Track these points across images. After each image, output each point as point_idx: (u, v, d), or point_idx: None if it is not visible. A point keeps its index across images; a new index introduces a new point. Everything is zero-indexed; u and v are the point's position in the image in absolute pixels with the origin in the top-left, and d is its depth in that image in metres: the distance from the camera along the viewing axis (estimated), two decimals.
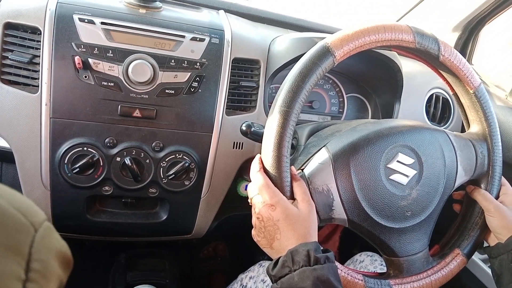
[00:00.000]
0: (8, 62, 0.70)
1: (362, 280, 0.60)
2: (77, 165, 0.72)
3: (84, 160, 0.72)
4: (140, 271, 0.95)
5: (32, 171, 0.73)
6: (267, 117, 0.58)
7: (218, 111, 0.79)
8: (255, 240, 0.57)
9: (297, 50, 0.82)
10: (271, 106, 0.58)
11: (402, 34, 0.61)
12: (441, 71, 0.70)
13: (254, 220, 0.56)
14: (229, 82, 0.80)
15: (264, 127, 0.59)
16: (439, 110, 1.02)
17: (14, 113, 0.71)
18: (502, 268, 0.64)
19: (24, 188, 0.74)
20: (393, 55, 0.90)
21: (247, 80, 0.83)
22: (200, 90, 0.78)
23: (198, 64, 0.77)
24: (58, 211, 0.77)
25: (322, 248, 0.52)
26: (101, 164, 0.74)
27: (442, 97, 1.02)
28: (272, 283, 0.51)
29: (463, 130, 0.96)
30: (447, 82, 0.72)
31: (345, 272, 0.59)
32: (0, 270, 0.23)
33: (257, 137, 0.70)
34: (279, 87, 0.58)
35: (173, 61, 0.76)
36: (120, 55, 0.73)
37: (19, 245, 0.25)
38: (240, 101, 0.83)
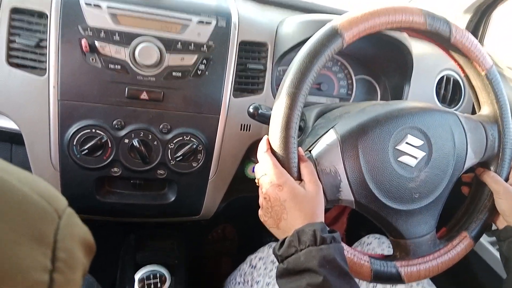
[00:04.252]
0: (15, 45, 0.70)
1: (368, 262, 0.60)
2: (85, 147, 0.73)
3: (92, 142, 0.73)
4: (149, 251, 0.97)
5: (41, 153, 0.74)
6: (274, 99, 0.58)
7: (225, 94, 0.79)
8: (261, 220, 0.57)
9: (305, 33, 0.81)
10: (278, 88, 0.57)
11: (413, 16, 0.60)
12: (452, 53, 0.69)
13: (261, 200, 0.56)
14: (236, 65, 0.80)
15: (271, 109, 0.58)
16: (449, 91, 1.00)
17: (22, 95, 0.71)
18: (510, 251, 0.64)
19: (34, 170, 0.75)
20: (403, 36, 0.89)
21: (255, 63, 0.83)
22: (207, 73, 0.77)
23: (205, 47, 0.76)
24: (67, 192, 0.78)
25: (328, 229, 0.52)
26: (110, 145, 0.75)
27: (453, 79, 1.01)
28: (279, 263, 0.51)
29: (473, 112, 0.95)
30: (458, 64, 0.70)
31: (351, 253, 0.59)
32: (27, 260, 0.22)
33: (265, 119, 0.70)
34: (287, 69, 0.57)
35: (179, 44, 0.75)
36: (126, 38, 0.73)
37: (44, 234, 0.24)
38: (248, 83, 0.83)
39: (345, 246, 0.58)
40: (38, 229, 0.24)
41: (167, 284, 0.80)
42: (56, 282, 0.23)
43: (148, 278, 0.81)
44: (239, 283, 0.95)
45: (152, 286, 0.79)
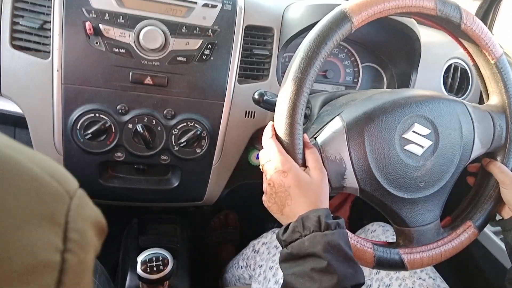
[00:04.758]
0: (19, 27, 0.70)
1: (371, 248, 0.60)
2: (89, 131, 0.72)
3: (96, 126, 0.72)
4: (152, 235, 0.97)
5: (45, 137, 0.74)
6: (279, 86, 0.57)
7: (230, 79, 0.78)
8: (265, 205, 0.57)
9: (312, 17, 0.79)
10: (284, 75, 0.57)
11: (423, 1, 0.59)
12: (461, 40, 0.68)
13: (265, 186, 0.56)
14: (242, 50, 0.79)
15: (276, 96, 0.58)
16: (457, 81, 0.99)
17: (26, 78, 0.70)
18: None
19: None
20: (411, 22, 0.87)
21: (260, 48, 0.82)
22: (212, 58, 0.76)
23: (210, 31, 0.76)
24: None
25: (333, 215, 0.52)
26: (113, 130, 0.74)
27: (461, 68, 0.99)
28: (282, 247, 0.51)
29: (480, 102, 0.94)
30: (468, 52, 0.69)
31: (354, 240, 0.59)
32: (38, 240, 0.21)
33: (270, 106, 0.69)
34: (293, 56, 0.56)
35: (184, 28, 0.74)
36: (131, 21, 0.72)
37: (55, 214, 0.23)
38: (253, 69, 0.82)
39: (348, 233, 0.58)
40: (49, 209, 0.23)
41: (170, 266, 0.81)
42: (68, 262, 0.23)
43: (150, 260, 0.81)
44: (241, 267, 0.96)
45: (155, 268, 0.80)
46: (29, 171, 0.23)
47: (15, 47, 0.70)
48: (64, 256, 0.23)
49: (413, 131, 0.60)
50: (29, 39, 0.70)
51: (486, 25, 1.12)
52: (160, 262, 0.81)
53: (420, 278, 0.77)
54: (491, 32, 1.14)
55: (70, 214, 0.24)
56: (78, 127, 0.72)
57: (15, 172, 0.23)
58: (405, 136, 0.60)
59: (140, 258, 0.81)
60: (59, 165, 0.27)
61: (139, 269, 0.80)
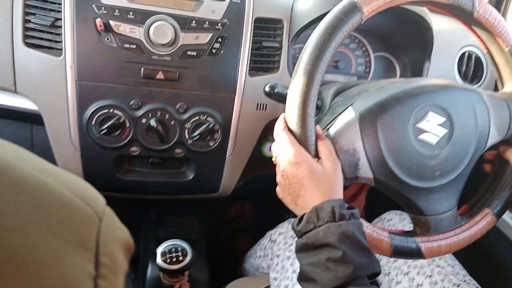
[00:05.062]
0: (31, 25, 0.71)
1: (387, 237, 0.60)
2: (104, 127, 0.73)
3: (111, 122, 0.73)
4: (170, 226, 0.98)
5: (61, 133, 0.75)
6: (290, 78, 0.57)
7: (241, 73, 0.78)
8: (279, 197, 0.57)
9: (322, 8, 0.79)
10: (294, 66, 0.56)
11: None
12: (474, 28, 0.67)
13: (278, 178, 0.56)
14: (252, 43, 0.79)
15: (288, 88, 0.58)
16: (471, 68, 0.97)
17: (40, 76, 0.72)
18: None
19: (55, 149, 0.77)
20: (423, 11, 0.86)
21: (270, 41, 0.82)
22: (222, 52, 0.77)
23: (219, 24, 0.76)
24: (89, 170, 0.79)
25: (347, 205, 0.52)
26: (128, 125, 0.75)
27: (475, 55, 0.98)
28: (298, 238, 0.51)
29: (495, 89, 0.92)
30: (481, 40, 0.68)
31: (370, 229, 0.59)
32: (71, 268, 0.21)
33: (281, 98, 0.69)
34: (303, 47, 0.56)
35: (194, 22, 0.74)
36: (141, 17, 0.72)
37: (86, 239, 0.23)
38: (263, 62, 0.82)
39: (364, 222, 0.58)
40: (80, 235, 0.23)
41: (189, 257, 0.82)
42: None
43: (170, 251, 0.82)
44: (259, 257, 0.97)
45: (174, 259, 0.81)
46: (61, 196, 0.23)
47: (28, 45, 0.71)
48: (97, 282, 0.23)
49: (427, 120, 0.60)
50: (41, 37, 0.71)
51: (499, 12, 1.10)
52: (180, 253, 0.82)
53: (438, 266, 0.76)
54: (505, 19, 1.12)
55: (101, 238, 0.24)
56: (93, 123, 0.73)
57: (47, 199, 0.23)
58: (419, 125, 0.59)
59: (159, 250, 0.83)
60: (86, 183, 0.27)
61: (159, 260, 0.81)
